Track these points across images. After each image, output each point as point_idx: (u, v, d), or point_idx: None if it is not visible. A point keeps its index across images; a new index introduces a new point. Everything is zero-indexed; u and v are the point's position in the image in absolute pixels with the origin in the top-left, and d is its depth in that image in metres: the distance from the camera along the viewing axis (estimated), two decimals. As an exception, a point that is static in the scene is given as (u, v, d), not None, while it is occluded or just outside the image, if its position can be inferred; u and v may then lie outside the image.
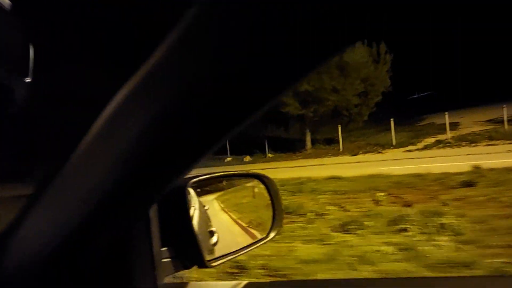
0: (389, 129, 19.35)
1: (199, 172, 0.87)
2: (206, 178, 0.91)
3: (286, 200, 7.11)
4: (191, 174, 0.79)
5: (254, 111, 0.35)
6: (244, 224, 1.06)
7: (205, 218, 0.92)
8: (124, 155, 0.38)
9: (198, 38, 0.31)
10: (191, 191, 0.87)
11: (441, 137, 17.02)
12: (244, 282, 0.75)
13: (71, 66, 0.54)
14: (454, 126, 20.73)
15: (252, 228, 1.05)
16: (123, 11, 0.50)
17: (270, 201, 1.02)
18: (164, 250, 0.64)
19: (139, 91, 0.35)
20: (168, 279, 0.67)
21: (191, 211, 0.80)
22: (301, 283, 1.24)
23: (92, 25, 0.52)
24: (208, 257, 0.75)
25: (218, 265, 0.78)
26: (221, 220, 1.03)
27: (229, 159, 20.37)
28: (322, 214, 5.51)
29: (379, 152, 15.31)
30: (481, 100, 23.77)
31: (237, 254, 0.86)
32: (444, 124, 19.25)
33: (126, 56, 0.48)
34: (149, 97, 0.35)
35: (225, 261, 0.80)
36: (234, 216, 1.06)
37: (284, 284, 1.29)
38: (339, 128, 17.57)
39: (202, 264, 0.71)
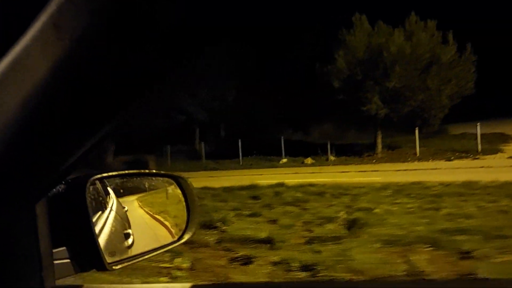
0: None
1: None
2: (111, 176, 0.87)
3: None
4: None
5: (117, 109, 0.36)
6: (161, 219, 1.04)
7: (121, 219, 0.91)
8: None
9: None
10: (110, 191, 0.90)
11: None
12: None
13: None
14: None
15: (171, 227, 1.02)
16: None
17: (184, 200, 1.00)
18: (61, 250, 0.60)
19: (10, 68, 0.34)
20: (68, 280, 0.64)
21: (106, 212, 0.85)
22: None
23: None
24: (112, 259, 0.72)
25: (121, 268, 0.73)
26: (140, 221, 1.02)
27: (284, 160, 18.83)
28: None
29: (476, 159, 14.07)
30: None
31: (147, 256, 0.84)
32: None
33: None
34: (18, 79, 0.34)
35: (131, 263, 0.78)
36: (147, 210, 1.05)
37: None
38: (416, 131, 16.31)
39: (101, 266, 0.66)
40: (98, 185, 0.86)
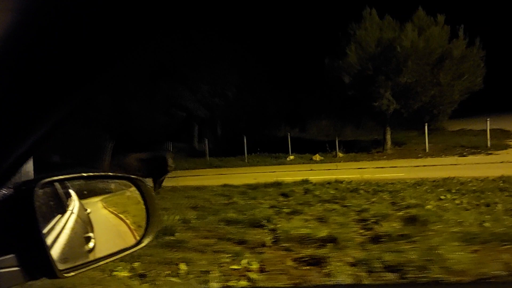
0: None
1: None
2: (64, 178, 0.81)
3: None
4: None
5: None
6: (123, 218, 1.02)
7: (83, 222, 0.88)
8: None
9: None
10: (73, 193, 0.87)
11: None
12: None
13: None
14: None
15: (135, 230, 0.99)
16: None
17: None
18: (9, 257, 0.57)
19: None
20: None
21: (66, 215, 0.83)
22: None
23: None
24: (65, 266, 0.67)
25: (75, 275, 0.67)
26: (103, 221, 1.00)
27: (291, 157, 18.57)
28: None
29: (489, 154, 14.01)
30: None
31: (105, 261, 0.79)
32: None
33: None
34: None
35: (85, 270, 0.73)
36: (111, 209, 1.04)
37: None
38: (426, 127, 16.19)
39: (52, 274, 0.62)
40: (58, 187, 0.82)
